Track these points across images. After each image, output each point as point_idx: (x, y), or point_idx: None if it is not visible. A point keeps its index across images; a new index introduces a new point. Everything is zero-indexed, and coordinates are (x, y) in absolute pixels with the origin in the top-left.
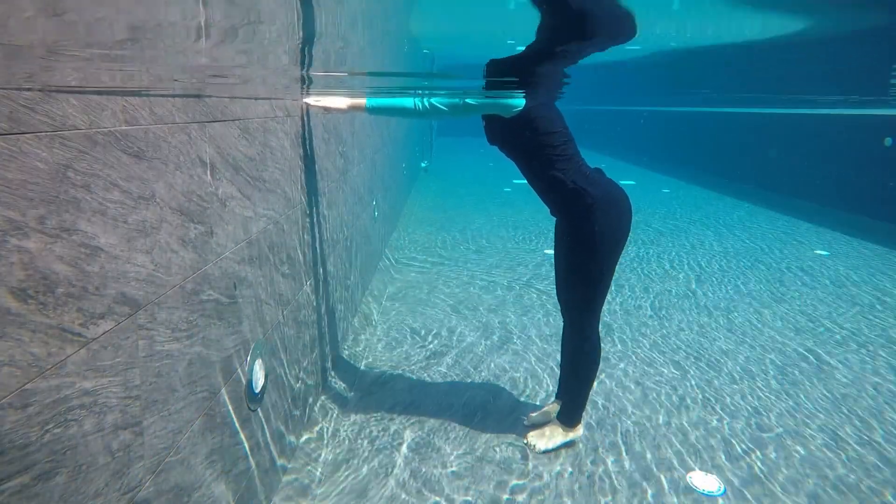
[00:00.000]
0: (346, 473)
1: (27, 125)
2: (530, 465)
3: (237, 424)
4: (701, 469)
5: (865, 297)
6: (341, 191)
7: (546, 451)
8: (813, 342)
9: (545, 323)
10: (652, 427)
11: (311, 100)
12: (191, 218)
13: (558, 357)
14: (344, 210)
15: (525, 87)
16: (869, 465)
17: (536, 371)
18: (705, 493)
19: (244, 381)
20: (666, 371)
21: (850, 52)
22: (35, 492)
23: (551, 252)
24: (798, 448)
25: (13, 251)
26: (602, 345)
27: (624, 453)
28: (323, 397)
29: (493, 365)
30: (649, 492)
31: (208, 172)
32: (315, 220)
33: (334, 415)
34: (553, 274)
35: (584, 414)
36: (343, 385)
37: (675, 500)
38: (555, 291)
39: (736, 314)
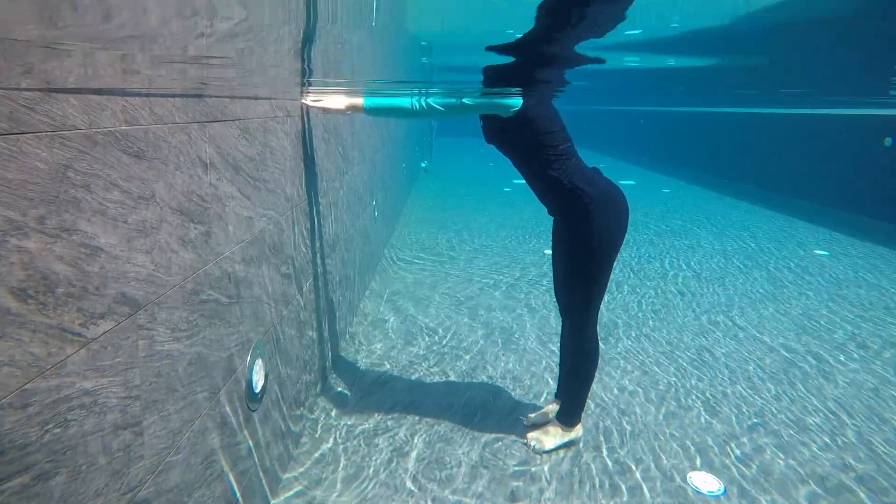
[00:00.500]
0: (346, 473)
1: (27, 125)
2: (530, 466)
3: (237, 424)
4: (701, 469)
5: (866, 298)
6: (341, 191)
7: (546, 451)
8: (813, 342)
9: (545, 323)
10: (652, 427)
11: (310, 100)
12: (191, 218)
13: (557, 357)
14: (344, 210)
15: (524, 84)
16: (870, 466)
17: (536, 371)
18: (705, 493)
19: (244, 381)
20: (666, 371)
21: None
22: (35, 492)
23: (550, 252)
24: (798, 449)
25: (13, 251)
26: (601, 345)
27: (624, 453)
28: (323, 397)
29: (493, 365)
30: (649, 492)
31: (208, 172)
32: (315, 220)
33: (334, 415)
34: (552, 274)
35: (583, 414)
36: (343, 385)
37: (675, 500)
38: (554, 291)
39: (736, 314)
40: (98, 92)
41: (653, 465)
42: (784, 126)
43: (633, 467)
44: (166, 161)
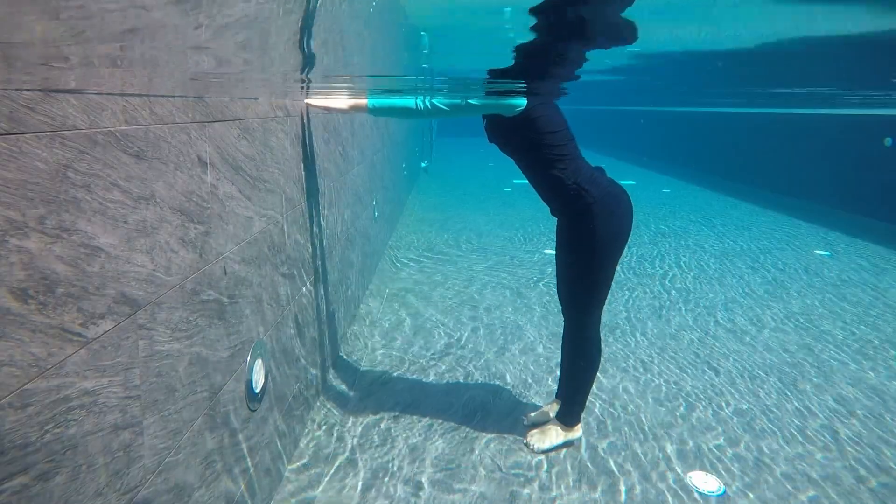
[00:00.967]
0: (346, 473)
1: (27, 125)
2: (530, 466)
3: (237, 424)
4: (701, 469)
5: (866, 298)
6: (341, 191)
7: (546, 451)
8: (813, 342)
9: (545, 322)
10: (652, 427)
11: (313, 100)
12: (191, 218)
13: (558, 357)
14: (344, 210)
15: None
16: (870, 467)
17: (536, 371)
18: (705, 493)
19: (244, 381)
20: (666, 371)
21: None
22: (35, 492)
23: (551, 252)
24: (799, 449)
25: (13, 251)
26: (603, 345)
27: (623, 453)
28: (323, 397)
29: (493, 365)
30: (649, 492)
31: (208, 172)
32: (315, 220)
33: (334, 415)
34: (553, 273)
35: (583, 414)
36: (343, 385)
37: (675, 499)
38: (555, 291)
39: (736, 314)
40: (98, 92)
41: (653, 465)
42: (784, 126)
43: (633, 467)
44: (166, 161)
